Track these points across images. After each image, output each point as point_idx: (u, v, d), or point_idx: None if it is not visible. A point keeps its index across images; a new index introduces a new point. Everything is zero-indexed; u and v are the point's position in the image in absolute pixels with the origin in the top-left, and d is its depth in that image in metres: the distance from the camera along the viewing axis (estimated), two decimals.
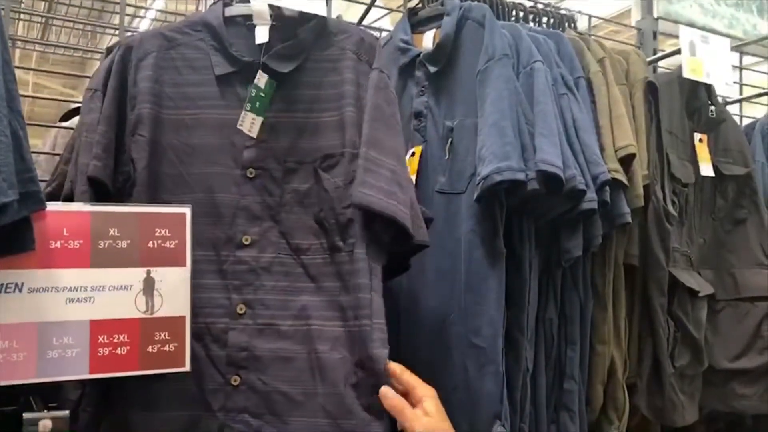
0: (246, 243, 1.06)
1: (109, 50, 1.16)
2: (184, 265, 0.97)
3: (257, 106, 1.08)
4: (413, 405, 0.95)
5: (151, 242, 0.95)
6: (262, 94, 1.09)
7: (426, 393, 0.96)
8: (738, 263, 1.72)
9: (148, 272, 0.94)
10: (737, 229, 1.74)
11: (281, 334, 1.04)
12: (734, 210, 1.75)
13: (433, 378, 1.03)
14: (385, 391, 0.96)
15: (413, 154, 1.38)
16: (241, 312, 1.05)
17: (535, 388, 1.34)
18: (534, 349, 1.34)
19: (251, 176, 1.08)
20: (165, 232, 0.96)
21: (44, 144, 1.93)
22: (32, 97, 2.31)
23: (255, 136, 1.08)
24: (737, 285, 1.70)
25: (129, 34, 1.60)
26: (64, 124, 1.82)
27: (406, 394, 0.97)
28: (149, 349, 0.93)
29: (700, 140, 1.72)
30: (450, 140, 1.34)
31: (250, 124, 1.08)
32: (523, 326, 1.28)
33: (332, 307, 1.04)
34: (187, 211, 0.98)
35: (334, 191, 1.05)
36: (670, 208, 1.55)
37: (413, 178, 1.32)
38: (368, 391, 0.99)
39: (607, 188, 1.31)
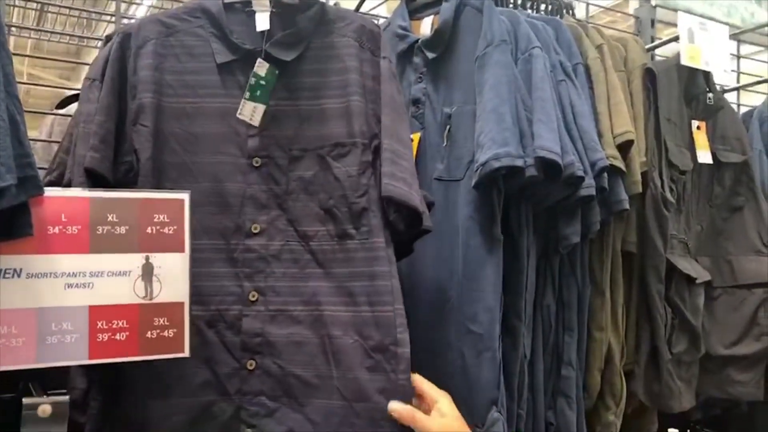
0: (255, 231, 1.07)
1: (108, 38, 1.15)
2: (183, 251, 0.97)
3: (258, 94, 1.08)
4: (428, 407, 0.99)
5: (149, 228, 0.94)
6: (262, 82, 1.08)
7: (440, 394, 1.00)
8: (735, 250, 1.72)
9: (147, 258, 0.94)
10: (734, 217, 1.74)
11: (293, 319, 1.05)
12: (731, 197, 1.75)
13: (430, 364, 1.04)
14: (393, 405, 0.98)
15: (411, 140, 1.38)
16: (253, 299, 1.05)
17: (533, 375, 1.34)
18: (531, 335, 1.34)
19: (257, 165, 1.08)
20: (164, 218, 0.95)
21: (40, 132, 1.92)
22: (27, 84, 2.29)
23: (257, 125, 1.08)
24: (734, 272, 1.70)
25: (125, 21, 1.60)
26: (60, 111, 1.81)
27: (419, 397, 1.01)
28: (148, 334, 0.93)
29: (698, 127, 1.72)
30: (448, 127, 1.33)
31: (251, 112, 1.08)
32: (521, 312, 1.28)
33: (341, 293, 1.05)
34: (185, 197, 0.98)
35: (347, 180, 1.06)
36: (668, 195, 1.55)
37: None
38: (384, 375, 1.01)
39: (605, 175, 1.31)
